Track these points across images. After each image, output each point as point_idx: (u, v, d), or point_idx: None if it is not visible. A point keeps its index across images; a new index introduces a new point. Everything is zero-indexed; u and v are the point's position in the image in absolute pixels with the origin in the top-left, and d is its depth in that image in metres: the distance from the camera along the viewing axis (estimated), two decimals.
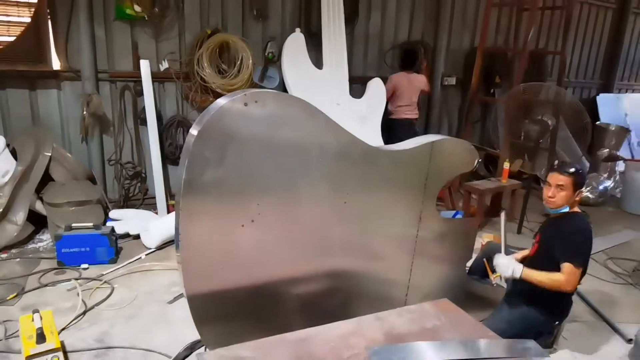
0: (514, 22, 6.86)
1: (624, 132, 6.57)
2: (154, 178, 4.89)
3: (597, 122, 6.89)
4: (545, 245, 2.77)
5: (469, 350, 1.84)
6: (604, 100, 8.34)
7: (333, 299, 2.68)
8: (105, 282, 3.56)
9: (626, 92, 9.13)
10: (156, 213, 4.83)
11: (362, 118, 5.21)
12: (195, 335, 2.77)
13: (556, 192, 2.68)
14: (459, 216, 3.76)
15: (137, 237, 4.33)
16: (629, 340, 3.07)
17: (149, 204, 5.15)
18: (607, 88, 8.73)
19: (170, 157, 5.15)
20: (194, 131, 2.09)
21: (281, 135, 2.26)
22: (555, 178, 2.68)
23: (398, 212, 2.73)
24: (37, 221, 4.30)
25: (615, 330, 3.21)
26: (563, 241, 2.62)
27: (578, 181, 2.65)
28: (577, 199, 2.69)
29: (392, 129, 5.73)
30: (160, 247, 4.20)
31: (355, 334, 2.01)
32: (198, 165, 2.09)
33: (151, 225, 4.20)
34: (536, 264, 2.71)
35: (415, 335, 2.03)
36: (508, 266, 2.63)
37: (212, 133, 2.09)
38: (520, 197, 5.45)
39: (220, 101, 2.14)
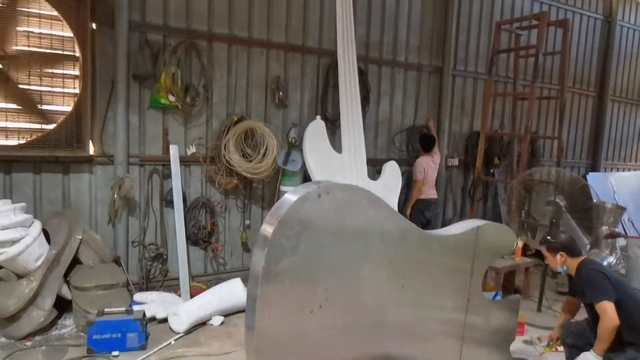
0: (511, 108, 7.42)
1: (620, 210, 6.91)
2: (178, 260, 4.91)
3: (594, 201, 7.25)
4: (581, 299, 3.24)
5: None
6: (593, 179, 8.80)
7: None
8: None
9: (612, 170, 9.69)
10: (179, 295, 4.79)
11: None
12: None
13: (547, 261, 3.39)
14: (498, 297, 3.85)
15: (163, 320, 4.28)
16: None
17: (168, 285, 5.13)
18: (594, 167, 9.27)
19: (191, 238, 5.21)
20: (272, 221, 2.23)
21: (348, 223, 2.42)
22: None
23: (449, 295, 2.83)
24: (59, 305, 4.22)
25: None
26: (584, 289, 3.07)
27: (550, 247, 3.27)
28: (564, 259, 3.21)
29: (420, 209, 6.10)
30: (188, 332, 4.14)
31: None
32: (276, 253, 2.21)
33: (180, 310, 4.17)
34: (588, 313, 3.22)
35: None
36: None
37: (289, 223, 2.23)
38: (533, 274, 5.61)
39: (293, 194, 2.30)
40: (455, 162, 7.29)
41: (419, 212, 6.10)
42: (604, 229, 6.81)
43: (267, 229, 2.23)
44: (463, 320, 2.88)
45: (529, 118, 5.83)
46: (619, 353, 2.94)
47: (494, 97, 7.35)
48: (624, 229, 8.47)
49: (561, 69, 6.55)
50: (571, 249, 3.19)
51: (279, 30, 5.60)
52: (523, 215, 6.39)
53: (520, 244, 5.38)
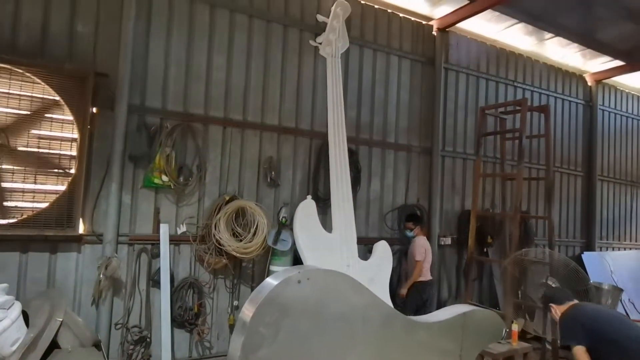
0: (500, 188, 7.56)
1: (617, 291, 6.80)
2: (161, 344, 4.72)
3: (591, 282, 7.15)
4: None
5: None
6: (589, 259, 8.75)
7: None
8: None
9: (607, 249, 9.64)
10: None
11: (370, 279, 5.33)
12: None
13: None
14: None
15: None
16: None
17: None
18: (589, 246, 9.23)
19: (177, 320, 5.05)
20: (251, 306, 2.20)
21: (329, 310, 2.38)
22: None
23: None
24: None
25: None
26: (560, 334, 3.29)
27: (544, 305, 3.66)
28: (555, 310, 3.33)
29: (418, 291, 6.05)
30: None
31: None
32: (254, 341, 2.15)
33: None
34: None
35: None
36: None
37: (269, 309, 2.20)
38: None
39: (273, 280, 2.29)
40: (448, 241, 7.27)
41: (416, 293, 6.01)
42: None
43: (246, 314, 2.19)
44: None
45: (517, 198, 5.92)
46: None
47: (483, 177, 7.50)
48: (625, 311, 8.26)
49: (547, 151, 6.76)
50: (556, 299, 3.36)
51: (272, 113, 5.85)
52: (520, 296, 6.26)
53: (515, 328, 5.22)
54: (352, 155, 6.21)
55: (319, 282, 2.33)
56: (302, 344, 2.28)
